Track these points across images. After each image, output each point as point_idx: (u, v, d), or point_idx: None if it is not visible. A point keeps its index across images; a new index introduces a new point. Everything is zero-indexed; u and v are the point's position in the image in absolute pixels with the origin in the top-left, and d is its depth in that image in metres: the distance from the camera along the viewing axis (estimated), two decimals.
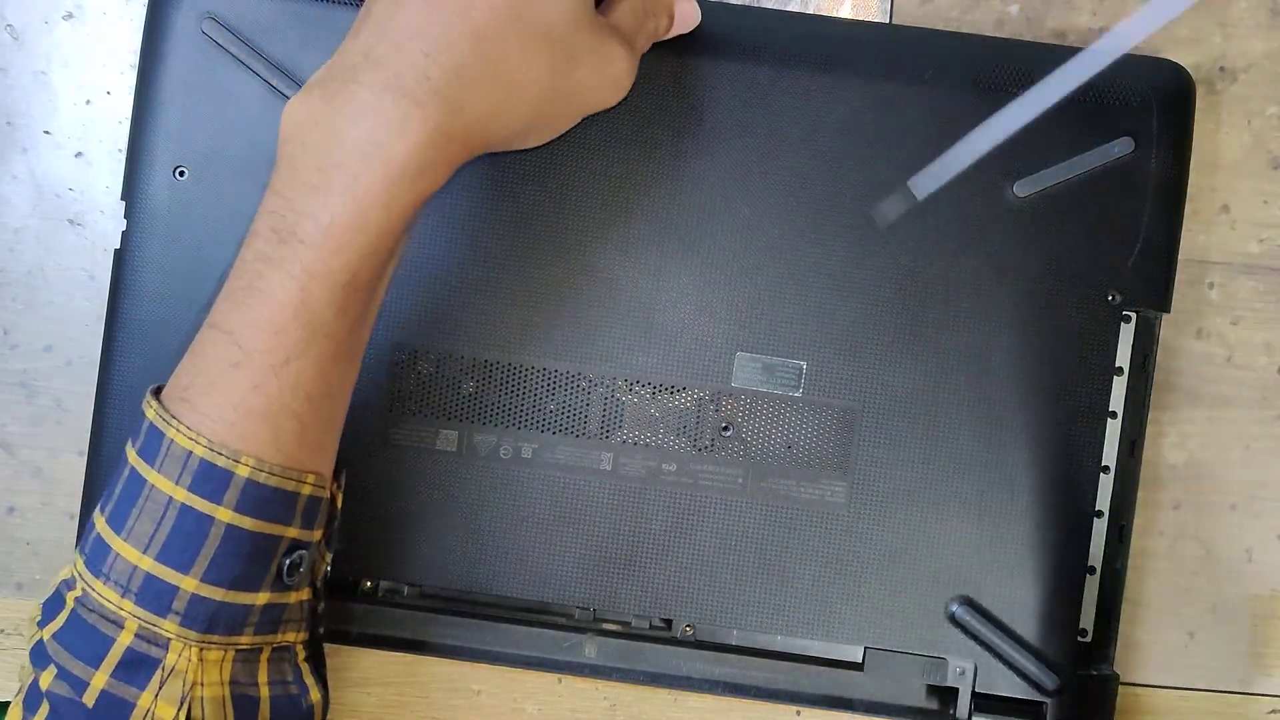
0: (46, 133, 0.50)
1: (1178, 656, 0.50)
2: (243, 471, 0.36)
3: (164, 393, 0.38)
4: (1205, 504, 0.50)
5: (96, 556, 0.37)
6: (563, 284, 0.46)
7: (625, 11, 0.42)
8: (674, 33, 0.45)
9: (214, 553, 0.36)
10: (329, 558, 0.42)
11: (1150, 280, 0.46)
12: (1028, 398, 0.46)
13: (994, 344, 0.46)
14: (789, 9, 0.51)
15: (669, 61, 0.46)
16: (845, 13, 0.50)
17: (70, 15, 0.50)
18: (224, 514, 0.36)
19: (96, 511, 0.38)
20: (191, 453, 0.36)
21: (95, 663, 0.37)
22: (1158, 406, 0.50)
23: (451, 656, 0.48)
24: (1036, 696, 0.46)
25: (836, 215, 0.46)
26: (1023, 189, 0.46)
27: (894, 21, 0.50)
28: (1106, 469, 0.47)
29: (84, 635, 0.37)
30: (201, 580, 0.37)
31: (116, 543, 0.37)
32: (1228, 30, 0.50)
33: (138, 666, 0.37)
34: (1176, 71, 0.47)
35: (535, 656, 0.47)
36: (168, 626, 0.37)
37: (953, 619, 0.46)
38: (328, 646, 0.43)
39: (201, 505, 0.36)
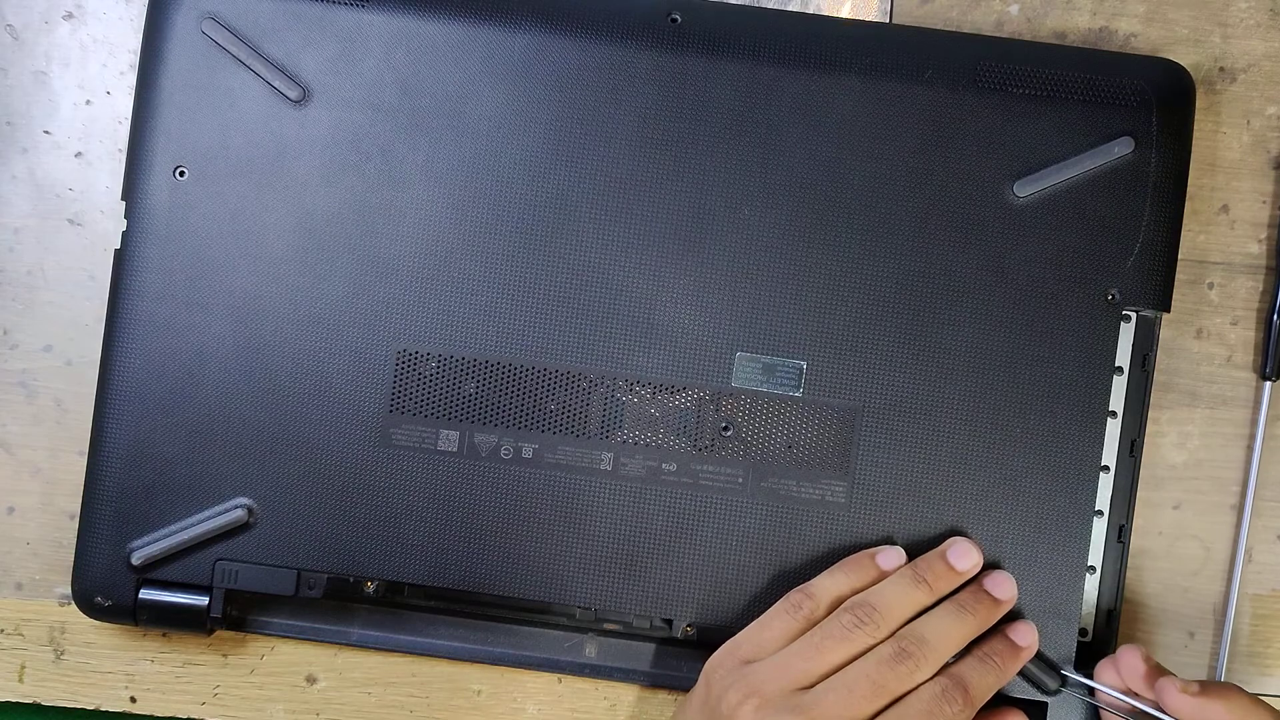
0: (46, 133, 0.50)
1: (1178, 656, 0.50)
2: None
3: None
4: (1205, 504, 0.50)
5: None
6: (563, 284, 0.46)
7: None
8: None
9: None
10: None
11: (1150, 280, 0.46)
12: (1028, 397, 0.46)
13: (994, 344, 0.46)
14: (789, 9, 0.51)
15: (669, 61, 0.46)
16: (845, 13, 0.50)
17: (70, 15, 0.50)
18: None
19: None
20: None
21: None
22: (1158, 406, 0.50)
23: (451, 656, 0.48)
24: (1036, 696, 0.46)
25: (836, 215, 0.46)
26: (1023, 189, 0.46)
27: (894, 21, 0.50)
28: (1106, 469, 0.47)
29: None
30: None
31: None
32: (1228, 30, 0.50)
33: None
34: (1176, 71, 0.47)
35: (535, 656, 0.47)
36: None
37: None
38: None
39: None
